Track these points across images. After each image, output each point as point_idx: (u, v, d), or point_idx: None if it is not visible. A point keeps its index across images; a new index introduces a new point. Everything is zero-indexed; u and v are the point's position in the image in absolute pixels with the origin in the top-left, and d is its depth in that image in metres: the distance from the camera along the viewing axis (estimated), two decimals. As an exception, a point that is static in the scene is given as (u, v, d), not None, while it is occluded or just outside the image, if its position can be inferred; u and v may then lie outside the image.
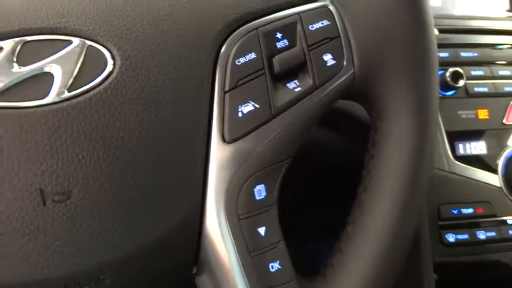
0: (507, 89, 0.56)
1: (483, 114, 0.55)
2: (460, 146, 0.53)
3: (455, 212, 0.51)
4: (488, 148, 0.54)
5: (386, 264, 0.31)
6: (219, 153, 0.29)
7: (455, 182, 0.51)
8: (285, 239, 0.31)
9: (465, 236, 0.50)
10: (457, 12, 0.68)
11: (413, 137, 0.31)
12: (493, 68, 0.57)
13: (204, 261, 0.30)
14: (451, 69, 0.54)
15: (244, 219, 0.29)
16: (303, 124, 0.31)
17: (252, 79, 0.30)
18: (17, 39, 0.26)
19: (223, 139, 0.29)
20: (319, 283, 0.32)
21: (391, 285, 0.32)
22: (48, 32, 0.27)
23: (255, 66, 0.30)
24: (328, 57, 0.31)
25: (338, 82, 0.31)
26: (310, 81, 0.31)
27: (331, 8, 0.32)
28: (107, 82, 0.27)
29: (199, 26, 0.30)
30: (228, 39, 0.30)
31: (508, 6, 0.69)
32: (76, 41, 0.27)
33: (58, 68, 0.27)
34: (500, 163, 0.53)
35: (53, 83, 0.26)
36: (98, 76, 0.27)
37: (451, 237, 0.50)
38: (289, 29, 0.31)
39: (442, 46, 0.56)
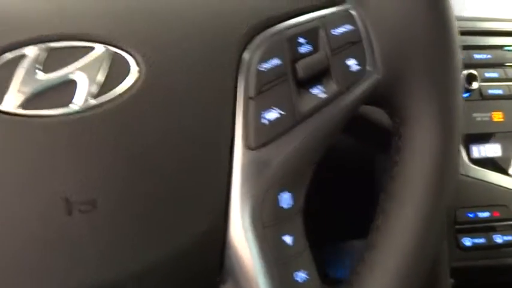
0: (522, 91, 0.56)
1: (498, 116, 0.55)
2: (475, 149, 0.53)
3: (471, 215, 0.50)
4: (504, 151, 0.54)
5: (412, 272, 0.31)
6: (243, 160, 0.29)
7: (471, 186, 0.51)
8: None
9: (482, 240, 0.50)
10: (466, 13, 0.68)
11: (438, 142, 0.31)
12: (507, 70, 0.57)
13: (228, 269, 0.30)
14: (465, 72, 0.54)
15: (269, 227, 0.29)
16: (328, 130, 0.30)
17: (276, 85, 0.29)
18: (41, 45, 0.26)
19: (248, 146, 0.29)
20: None
21: None
22: (73, 39, 0.27)
23: (279, 72, 0.29)
24: (351, 62, 0.31)
25: (362, 87, 0.31)
26: (335, 87, 0.30)
27: (353, 12, 0.32)
28: (132, 90, 0.26)
29: (222, 30, 0.29)
30: (251, 44, 0.29)
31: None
32: (100, 47, 0.27)
33: (83, 76, 0.26)
34: (516, 166, 0.53)
35: (77, 90, 0.26)
36: (123, 84, 0.27)
37: (467, 241, 0.50)
38: (312, 33, 0.31)
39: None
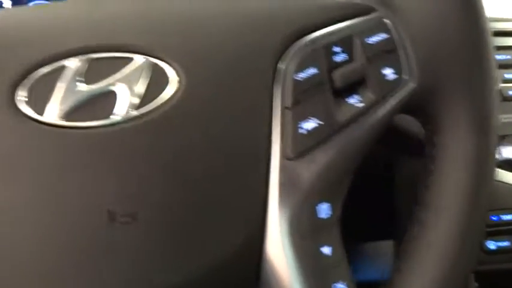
0: (543, 91, 0.55)
1: (520, 118, 0.54)
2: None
3: (495, 218, 0.50)
4: (525, 152, 0.53)
5: (449, 283, 0.30)
6: (280, 170, 0.28)
7: (494, 188, 0.51)
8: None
9: (506, 243, 0.50)
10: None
11: (475, 151, 0.31)
12: (528, 70, 0.56)
13: (264, 282, 0.29)
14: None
15: (308, 239, 0.28)
16: (365, 139, 0.30)
17: (313, 95, 0.29)
18: (81, 57, 0.26)
19: (285, 156, 0.28)
20: None
21: None
22: (112, 50, 0.26)
23: (316, 81, 0.29)
24: (387, 71, 0.31)
25: (398, 96, 0.31)
26: (372, 96, 0.30)
27: (387, 20, 0.31)
28: (172, 100, 0.26)
29: (257, 40, 0.29)
30: (286, 54, 0.29)
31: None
32: (139, 58, 0.27)
33: (123, 87, 0.26)
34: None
35: (118, 101, 0.26)
36: (163, 94, 0.26)
37: (492, 245, 0.49)
38: (346, 42, 0.30)
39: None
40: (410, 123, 0.40)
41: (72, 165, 0.25)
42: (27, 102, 0.25)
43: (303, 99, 0.29)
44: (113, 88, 0.26)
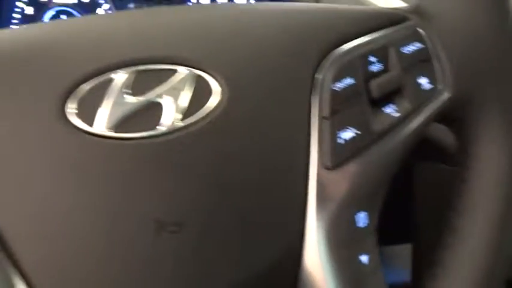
0: None
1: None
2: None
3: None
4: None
5: None
6: (319, 180, 0.29)
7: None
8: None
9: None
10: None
11: (510, 160, 0.31)
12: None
13: None
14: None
15: (346, 248, 0.29)
16: (402, 148, 0.30)
17: (351, 104, 0.29)
18: (128, 69, 0.26)
19: (324, 166, 0.29)
20: None
21: None
22: (157, 62, 0.27)
23: (354, 91, 0.30)
24: (423, 81, 0.31)
25: (434, 106, 0.31)
26: (408, 106, 0.30)
27: (420, 30, 0.32)
28: (216, 111, 0.27)
29: (295, 51, 0.29)
30: (323, 64, 0.30)
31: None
32: (183, 70, 0.27)
33: (169, 98, 0.26)
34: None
35: (163, 113, 0.26)
36: (207, 105, 0.27)
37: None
38: (382, 52, 0.31)
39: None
40: (435, 129, 0.40)
41: (121, 174, 0.25)
42: (77, 114, 0.25)
43: (340, 109, 0.29)
44: (159, 100, 0.26)
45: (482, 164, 0.31)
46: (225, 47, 0.28)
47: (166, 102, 0.26)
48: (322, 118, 0.29)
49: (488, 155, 0.31)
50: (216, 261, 0.27)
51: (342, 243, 0.29)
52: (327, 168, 0.29)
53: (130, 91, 0.26)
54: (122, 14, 0.30)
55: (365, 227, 0.29)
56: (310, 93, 0.29)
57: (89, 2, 0.69)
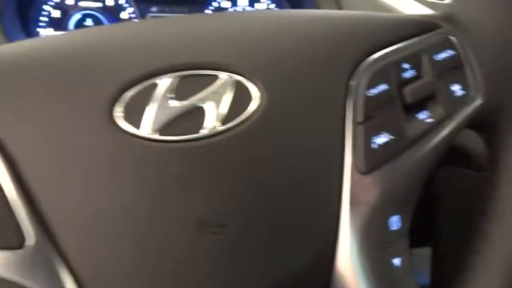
0: None
1: None
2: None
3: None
4: None
5: None
6: (353, 184, 0.29)
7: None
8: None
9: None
10: None
11: None
12: None
13: None
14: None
15: (380, 251, 0.29)
16: (434, 154, 0.31)
17: (385, 110, 0.30)
18: (172, 74, 0.27)
19: (358, 170, 0.29)
20: None
21: None
22: (199, 67, 0.28)
23: (387, 97, 0.30)
24: (456, 88, 0.32)
25: (466, 112, 0.32)
26: (441, 112, 0.31)
27: (452, 37, 0.32)
28: (255, 115, 0.28)
29: (331, 58, 0.30)
30: (357, 71, 0.30)
31: None
32: (224, 75, 0.28)
33: (211, 103, 0.27)
34: None
35: (206, 117, 0.27)
36: (247, 110, 0.28)
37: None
38: (415, 59, 0.31)
39: None
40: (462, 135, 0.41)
41: (167, 176, 0.26)
42: (125, 118, 0.26)
43: (374, 115, 0.30)
44: (201, 104, 0.27)
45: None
46: (263, 53, 0.29)
47: (208, 106, 0.27)
48: (356, 123, 0.29)
49: None
50: (252, 263, 0.28)
51: (375, 247, 0.29)
52: (361, 173, 0.29)
53: (174, 96, 0.27)
54: (163, 21, 0.31)
55: (398, 230, 0.30)
56: (345, 99, 0.30)
57: (114, 5, 0.70)
